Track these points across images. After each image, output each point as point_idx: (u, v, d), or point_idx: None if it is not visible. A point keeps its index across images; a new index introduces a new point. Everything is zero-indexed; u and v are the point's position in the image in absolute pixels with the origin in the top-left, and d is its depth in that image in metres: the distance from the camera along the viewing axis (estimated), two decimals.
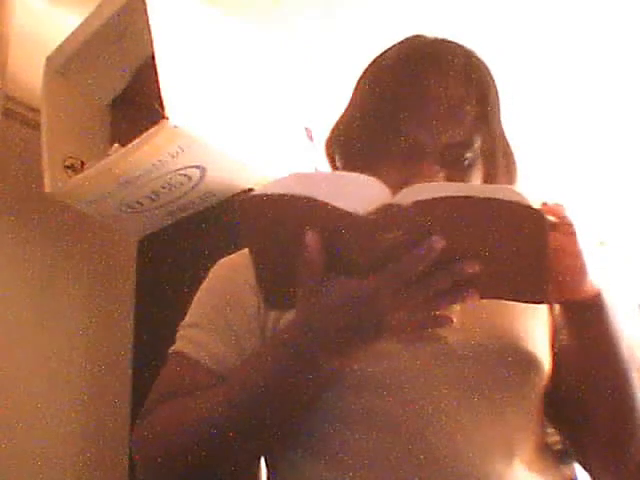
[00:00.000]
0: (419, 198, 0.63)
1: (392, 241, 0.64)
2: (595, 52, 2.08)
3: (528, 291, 0.72)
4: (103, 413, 1.68)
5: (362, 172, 0.90)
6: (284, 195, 0.64)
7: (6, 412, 1.51)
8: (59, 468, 1.58)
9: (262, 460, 0.90)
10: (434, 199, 0.63)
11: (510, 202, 0.63)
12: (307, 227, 0.66)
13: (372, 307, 0.66)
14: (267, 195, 0.65)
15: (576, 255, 0.74)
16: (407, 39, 0.93)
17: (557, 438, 0.93)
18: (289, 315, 0.80)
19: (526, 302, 0.75)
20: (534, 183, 0.95)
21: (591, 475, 0.90)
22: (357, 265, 0.66)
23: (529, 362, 0.86)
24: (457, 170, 0.86)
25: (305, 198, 0.63)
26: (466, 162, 0.86)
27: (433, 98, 0.86)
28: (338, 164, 0.95)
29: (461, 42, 0.93)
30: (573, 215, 0.75)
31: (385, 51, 0.94)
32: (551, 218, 0.73)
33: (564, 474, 0.89)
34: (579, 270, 0.75)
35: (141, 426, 0.84)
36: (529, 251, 0.67)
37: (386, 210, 0.63)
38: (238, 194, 1.55)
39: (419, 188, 0.65)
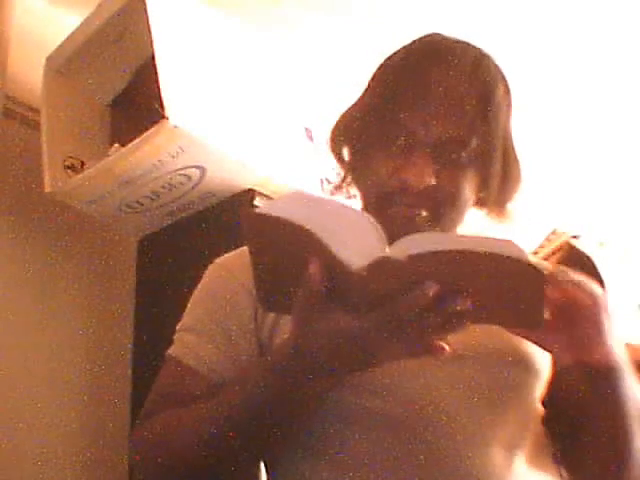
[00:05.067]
0: (414, 251, 0.62)
1: (386, 293, 0.64)
2: (594, 51, 2.08)
3: (525, 329, 0.74)
4: (103, 413, 1.68)
5: (359, 163, 0.92)
6: (287, 221, 0.63)
7: (6, 412, 1.52)
8: (59, 468, 1.58)
9: (262, 461, 0.90)
10: (429, 253, 0.62)
11: (508, 257, 0.63)
12: (307, 258, 0.65)
13: (362, 346, 0.66)
14: (271, 216, 0.64)
15: (595, 323, 0.76)
16: (423, 36, 0.92)
17: None
18: (284, 321, 0.81)
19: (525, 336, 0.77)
20: (534, 184, 0.94)
21: None
22: (351, 306, 0.66)
23: (529, 362, 0.86)
24: (449, 168, 0.85)
25: (307, 233, 0.63)
26: (460, 161, 0.86)
27: (432, 92, 0.85)
28: (341, 153, 0.95)
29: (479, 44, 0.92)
30: (597, 285, 0.77)
31: (399, 48, 0.93)
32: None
33: (563, 474, 0.89)
34: (597, 337, 0.76)
35: (140, 430, 0.84)
36: (525, 302, 0.67)
37: (380, 265, 0.62)
38: (238, 194, 1.55)
39: (415, 240, 0.64)
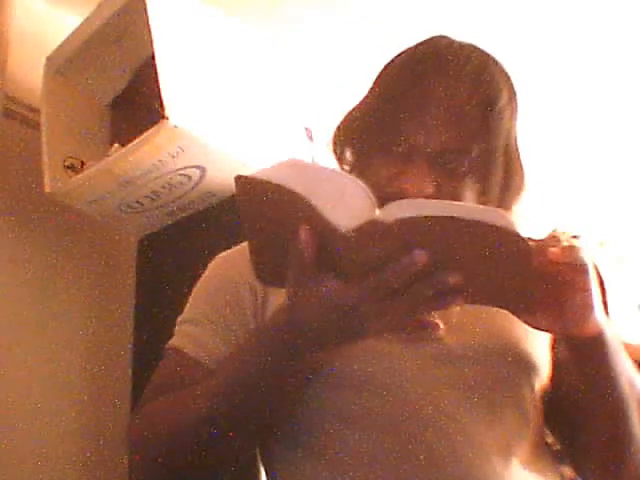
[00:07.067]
0: (402, 216, 0.62)
1: (374, 256, 0.64)
2: (595, 52, 2.08)
3: (514, 308, 0.73)
4: (103, 413, 1.68)
5: (358, 165, 0.91)
6: (279, 185, 0.64)
7: (6, 412, 1.51)
8: (59, 468, 1.58)
9: (261, 460, 0.90)
10: (417, 218, 0.62)
11: (495, 227, 0.62)
12: (299, 224, 0.65)
13: (354, 314, 0.66)
14: (263, 180, 0.65)
15: (585, 292, 0.74)
16: (427, 39, 0.91)
17: None
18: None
19: (514, 314, 0.76)
20: (535, 184, 0.94)
21: None
22: (341, 273, 0.66)
23: (528, 363, 0.86)
24: (447, 177, 0.84)
25: (299, 197, 0.63)
26: (459, 170, 0.85)
27: (433, 100, 0.84)
28: (342, 155, 0.94)
29: (486, 48, 0.90)
30: (586, 253, 0.75)
31: (404, 50, 0.92)
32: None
33: (563, 474, 0.89)
34: (586, 307, 0.74)
35: (137, 416, 0.84)
36: (512, 274, 0.67)
37: (368, 227, 0.62)
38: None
39: (404, 204, 0.63)
